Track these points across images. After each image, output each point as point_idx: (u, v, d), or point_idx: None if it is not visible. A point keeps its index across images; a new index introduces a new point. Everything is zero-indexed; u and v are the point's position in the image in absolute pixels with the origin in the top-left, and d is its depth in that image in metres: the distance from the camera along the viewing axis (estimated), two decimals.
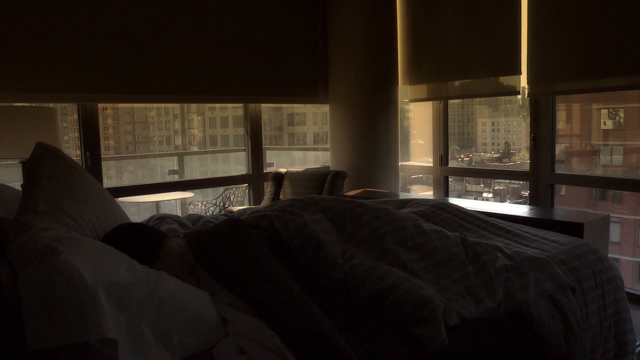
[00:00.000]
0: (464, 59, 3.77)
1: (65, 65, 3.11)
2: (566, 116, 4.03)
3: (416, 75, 4.15)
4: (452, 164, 4.36)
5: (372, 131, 4.12)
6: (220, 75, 3.74)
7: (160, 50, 3.45)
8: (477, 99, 5.43)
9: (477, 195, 5.12)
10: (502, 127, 5.31)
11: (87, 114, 3.35)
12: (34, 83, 3.02)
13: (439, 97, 4.14)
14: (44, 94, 3.10)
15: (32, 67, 3.01)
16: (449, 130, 4.29)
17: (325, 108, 4.50)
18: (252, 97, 3.97)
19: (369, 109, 4.11)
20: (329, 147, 4.41)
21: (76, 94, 3.18)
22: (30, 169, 1.44)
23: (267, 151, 4.75)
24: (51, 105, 3.31)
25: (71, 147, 4.86)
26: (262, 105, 4.20)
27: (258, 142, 4.18)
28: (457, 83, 3.97)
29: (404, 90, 4.31)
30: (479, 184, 5.14)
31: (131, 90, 3.37)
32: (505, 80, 3.60)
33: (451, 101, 4.36)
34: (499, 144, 5.30)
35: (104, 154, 3.48)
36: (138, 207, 5.38)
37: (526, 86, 3.43)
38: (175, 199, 5.37)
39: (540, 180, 3.59)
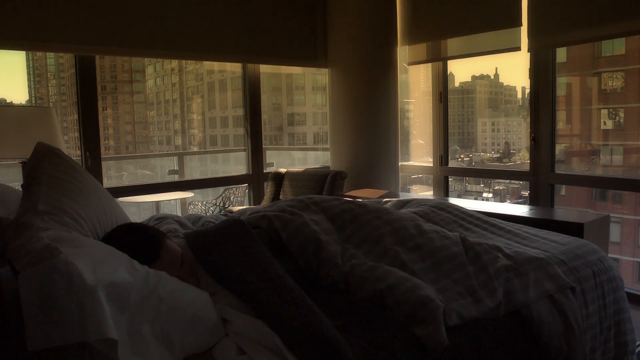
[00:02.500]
0: (464, 13, 3.75)
1: (62, 16, 3.09)
2: (566, 116, 4.03)
3: (416, 34, 4.13)
4: (452, 164, 4.36)
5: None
6: (219, 34, 3.74)
7: (160, 5, 3.45)
8: (478, 99, 5.43)
9: (477, 195, 5.12)
10: (502, 127, 5.31)
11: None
12: (31, 32, 3.00)
13: (438, 57, 4.13)
14: (40, 42, 3.08)
15: (28, 16, 2.98)
16: (449, 130, 4.29)
17: (326, 108, 4.50)
18: (250, 57, 3.96)
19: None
20: (329, 147, 4.41)
21: (73, 44, 3.16)
22: (30, 169, 1.44)
23: (267, 151, 4.75)
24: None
25: (71, 147, 4.86)
26: (262, 105, 4.20)
27: (258, 142, 4.18)
28: (456, 40, 3.95)
29: (403, 53, 4.29)
30: (479, 184, 5.14)
31: (129, 44, 3.36)
32: (506, 34, 3.57)
33: (451, 101, 4.36)
34: (499, 144, 5.30)
35: (104, 154, 3.48)
36: (138, 207, 5.38)
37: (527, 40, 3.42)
38: (175, 199, 5.37)
39: (540, 180, 3.59)
